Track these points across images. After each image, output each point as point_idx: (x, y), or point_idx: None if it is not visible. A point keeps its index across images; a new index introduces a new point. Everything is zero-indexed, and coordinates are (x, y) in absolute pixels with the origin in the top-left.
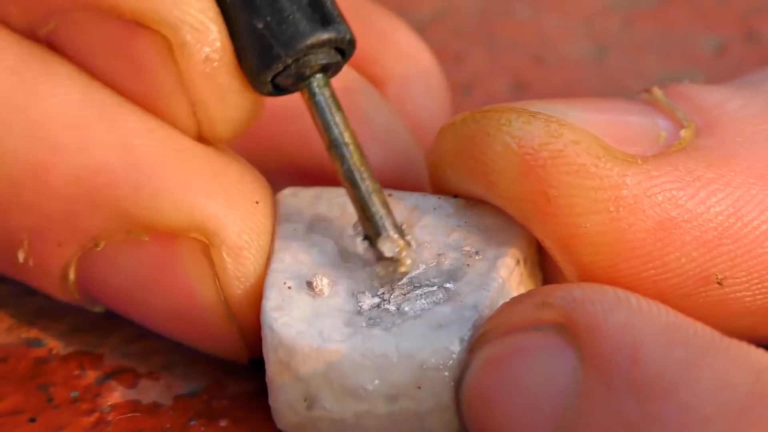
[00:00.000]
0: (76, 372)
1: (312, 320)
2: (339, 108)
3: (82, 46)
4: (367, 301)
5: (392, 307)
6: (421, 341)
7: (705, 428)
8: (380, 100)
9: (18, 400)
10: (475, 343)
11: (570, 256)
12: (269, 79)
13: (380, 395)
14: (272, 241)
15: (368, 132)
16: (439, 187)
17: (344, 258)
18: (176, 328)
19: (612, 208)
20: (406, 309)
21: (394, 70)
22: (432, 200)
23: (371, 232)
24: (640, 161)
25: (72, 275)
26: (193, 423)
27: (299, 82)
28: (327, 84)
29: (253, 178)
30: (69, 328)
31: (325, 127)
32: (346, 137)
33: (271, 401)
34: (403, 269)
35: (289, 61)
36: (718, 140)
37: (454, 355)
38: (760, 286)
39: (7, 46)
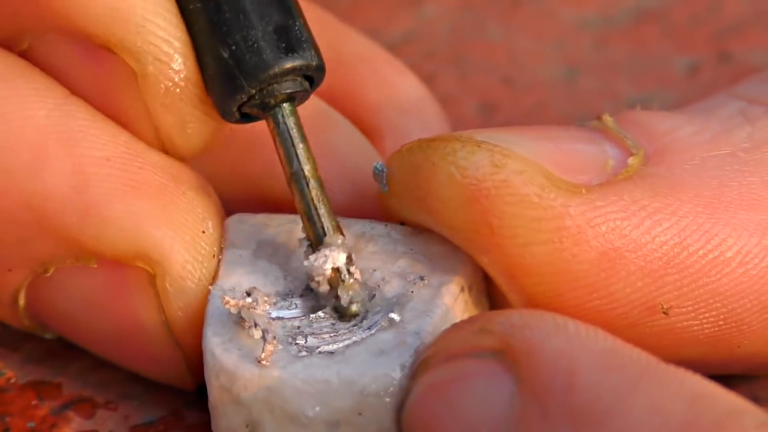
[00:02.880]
0: (34, 402)
1: (254, 346)
2: (303, 139)
3: (56, 65)
4: (310, 327)
5: (335, 334)
6: (362, 367)
7: None
8: (357, 139)
9: None
10: (416, 370)
11: (515, 285)
12: (235, 108)
13: (321, 421)
14: (218, 267)
15: (337, 168)
16: (387, 215)
17: (289, 283)
18: (123, 355)
19: (555, 239)
20: (349, 335)
21: (393, 121)
22: (379, 227)
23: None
24: (584, 191)
25: (22, 300)
26: None
27: (265, 111)
28: (292, 113)
29: (205, 206)
30: (27, 357)
31: (287, 158)
32: (306, 171)
33: (213, 427)
34: (353, 309)
35: (253, 91)
36: (666, 168)
37: (395, 382)
38: (707, 315)
39: None
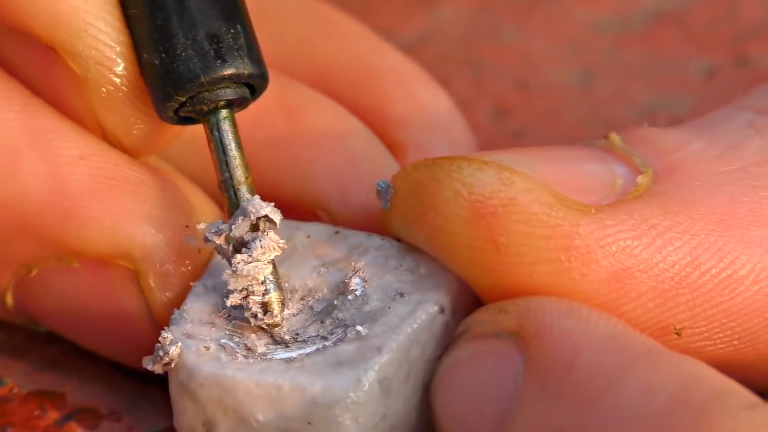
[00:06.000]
0: (37, 412)
1: (216, 346)
2: (237, 146)
3: (12, 63)
4: (278, 333)
5: (300, 340)
6: (316, 376)
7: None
8: (377, 149)
9: None
10: (447, 347)
11: None
12: (170, 114)
13: (272, 427)
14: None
15: (356, 174)
16: (386, 232)
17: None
18: (112, 349)
19: (564, 258)
20: (313, 344)
21: (418, 138)
22: (376, 241)
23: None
24: (594, 210)
25: (10, 299)
26: None
27: (200, 116)
28: (227, 119)
29: (187, 199)
30: (31, 366)
31: (218, 165)
32: (236, 178)
33: (175, 423)
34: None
35: (182, 99)
36: (676, 185)
37: (351, 394)
38: (721, 335)
39: None
